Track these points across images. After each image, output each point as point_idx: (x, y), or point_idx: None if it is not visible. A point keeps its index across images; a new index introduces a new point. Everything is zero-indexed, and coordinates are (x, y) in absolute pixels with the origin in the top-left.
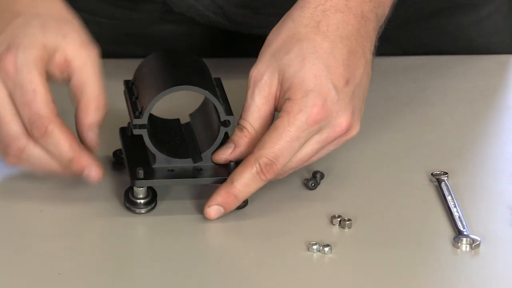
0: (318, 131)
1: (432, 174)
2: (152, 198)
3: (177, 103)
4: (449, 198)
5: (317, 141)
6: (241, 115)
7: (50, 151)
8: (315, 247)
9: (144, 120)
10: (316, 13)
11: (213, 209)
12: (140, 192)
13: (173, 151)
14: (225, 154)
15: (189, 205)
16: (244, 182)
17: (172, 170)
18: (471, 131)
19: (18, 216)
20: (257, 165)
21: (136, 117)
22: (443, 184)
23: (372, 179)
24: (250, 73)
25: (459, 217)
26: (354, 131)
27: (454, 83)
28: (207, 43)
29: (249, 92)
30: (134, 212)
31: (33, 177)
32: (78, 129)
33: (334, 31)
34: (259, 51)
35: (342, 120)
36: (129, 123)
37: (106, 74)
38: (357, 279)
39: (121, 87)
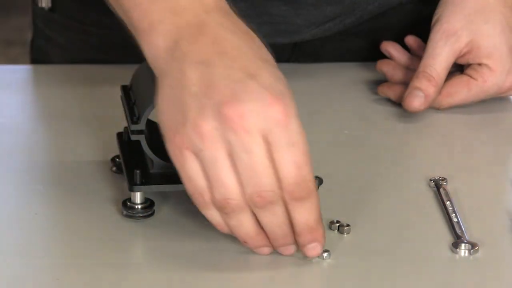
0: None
1: (430, 179)
2: (151, 203)
3: None
4: (447, 203)
5: None
6: (425, 62)
7: (294, 218)
8: None
9: (141, 125)
10: None
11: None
12: (138, 198)
13: None
14: (418, 103)
15: (187, 209)
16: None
17: (170, 175)
18: (469, 136)
19: (18, 220)
20: None
21: (133, 123)
22: (441, 189)
23: (370, 185)
24: (439, 26)
25: (457, 222)
26: None
27: None
28: None
29: (439, 42)
30: (132, 217)
31: (31, 180)
32: None
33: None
34: None
35: None
36: (125, 128)
37: (103, 79)
38: (355, 284)
39: (118, 92)
